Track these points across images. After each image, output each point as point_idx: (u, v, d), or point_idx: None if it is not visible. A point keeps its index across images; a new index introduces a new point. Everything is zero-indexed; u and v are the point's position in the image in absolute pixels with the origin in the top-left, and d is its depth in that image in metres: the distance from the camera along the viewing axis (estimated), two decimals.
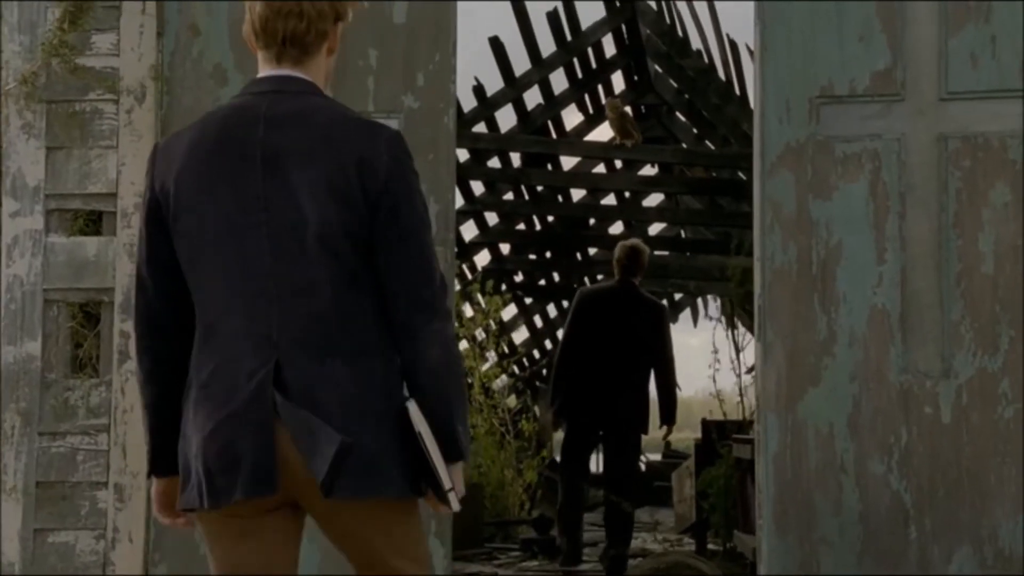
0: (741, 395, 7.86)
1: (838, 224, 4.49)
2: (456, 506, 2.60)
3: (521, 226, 12.63)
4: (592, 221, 12.81)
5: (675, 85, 12.20)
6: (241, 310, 2.56)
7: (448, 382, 2.61)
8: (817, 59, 4.52)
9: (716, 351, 8.33)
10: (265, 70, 2.71)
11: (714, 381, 8.27)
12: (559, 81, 12.04)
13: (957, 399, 4.41)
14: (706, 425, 7.67)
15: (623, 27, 11.84)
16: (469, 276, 12.26)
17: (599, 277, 11.73)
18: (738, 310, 9.55)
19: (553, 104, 12.11)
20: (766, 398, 4.51)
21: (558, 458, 8.01)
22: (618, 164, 12.76)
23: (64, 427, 4.56)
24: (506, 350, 12.32)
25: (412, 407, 2.57)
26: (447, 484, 2.56)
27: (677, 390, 7.20)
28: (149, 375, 2.72)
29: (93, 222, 4.64)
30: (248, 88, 2.73)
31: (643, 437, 7.14)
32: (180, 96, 4.67)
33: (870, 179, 4.49)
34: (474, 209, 12.06)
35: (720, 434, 7.27)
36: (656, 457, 12.35)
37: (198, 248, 2.59)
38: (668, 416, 7.06)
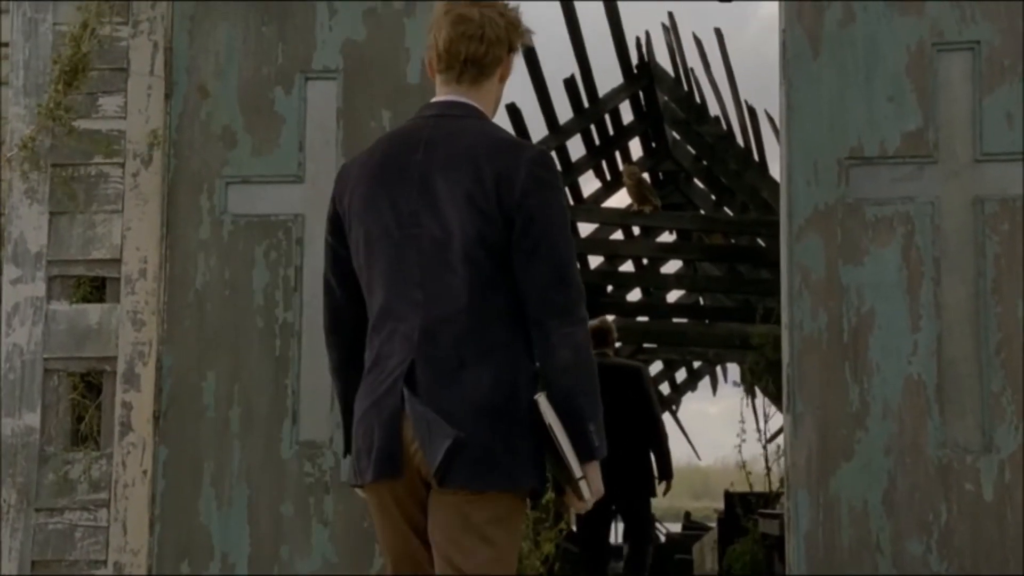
0: (767, 466, 7.57)
1: (870, 290, 4.27)
2: (587, 495, 2.74)
3: None
4: (610, 288, 12.60)
5: (693, 152, 12.06)
6: (395, 313, 2.82)
7: (577, 382, 2.78)
8: (846, 119, 4.33)
9: (743, 421, 8.08)
10: (439, 95, 2.96)
11: (740, 451, 7.99)
12: (576, 148, 11.90)
13: (999, 475, 4.15)
14: (729, 497, 7.39)
15: (640, 94, 11.72)
16: None
17: (618, 345, 11.49)
18: (760, 378, 9.30)
19: (570, 171, 11.96)
20: (796, 473, 4.26)
21: (575, 527, 7.79)
22: (636, 231, 12.58)
23: (63, 503, 4.33)
24: None
25: (542, 400, 2.74)
26: (577, 473, 2.71)
27: (668, 444, 7.18)
28: (336, 369, 3.03)
29: (96, 289, 4.44)
30: (419, 112, 3.00)
31: (659, 504, 7.08)
32: (188, 159, 4.49)
33: (903, 243, 4.27)
34: None
35: (744, 507, 6.99)
36: (676, 528, 12.02)
37: (366, 257, 2.88)
38: (664, 471, 7.04)
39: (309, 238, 4.45)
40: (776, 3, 4.50)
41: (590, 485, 2.76)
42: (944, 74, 4.32)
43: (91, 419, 4.37)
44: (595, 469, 2.79)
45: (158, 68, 4.47)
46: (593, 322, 7.20)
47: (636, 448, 6.84)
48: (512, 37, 2.93)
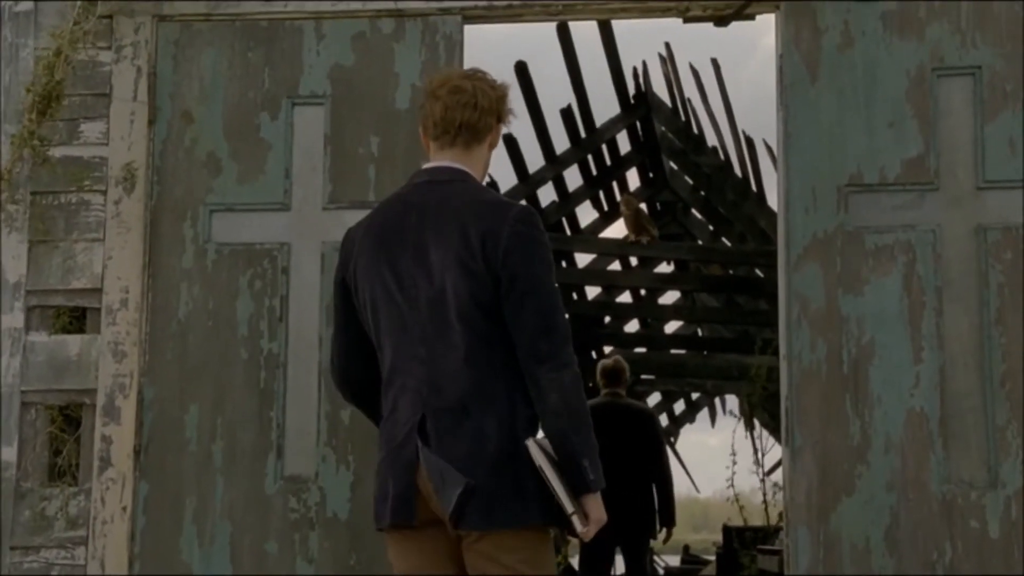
0: (765, 500, 7.42)
1: (870, 320, 4.13)
2: (580, 527, 2.94)
3: None
4: (607, 319, 12.45)
5: (691, 182, 11.95)
6: (403, 369, 3.05)
7: (568, 423, 2.97)
8: (845, 146, 4.20)
9: (734, 453, 7.94)
10: (431, 161, 3.20)
11: (732, 485, 7.83)
12: (573, 178, 11.77)
13: (1006, 512, 4.00)
14: (727, 532, 7.23)
15: (638, 124, 11.61)
16: None
17: None
18: (758, 411, 9.18)
19: (567, 201, 11.83)
20: (795, 509, 4.11)
21: (575, 563, 7.68)
22: (633, 261, 12.44)
23: (39, 540, 4.18)
24: None
25: (530, 444, 2.94)
26: (569, 508, 2.91)
27: (674, 491, 7.21)
28: (358, 408, 3.35)
29: (76, 319, 4.30)
30: (410, 179, 3.22)
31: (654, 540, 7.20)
32: (171, 186, 4.36)
33: (904, 272, 4.14)
34: None
35: (742, 541, 6.83)
36: (675, 561, 11.84)
37: (373, 318, 3.11)
38: (668, 519, 7.04)
39: (295, 267, 4.32)
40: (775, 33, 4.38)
41: (589, 515, 2.95)
42: (945, 100, 4.21)
43: (69, 453, 4.23)
44: (595, 500, 2.97)
45: (141, 94, 4.35)
46: (607, 361, 7.42)
47: (639, 488, 6.85)
48: (500, 108, 3.22)
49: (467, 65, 4.37)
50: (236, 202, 4.35)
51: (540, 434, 3.01)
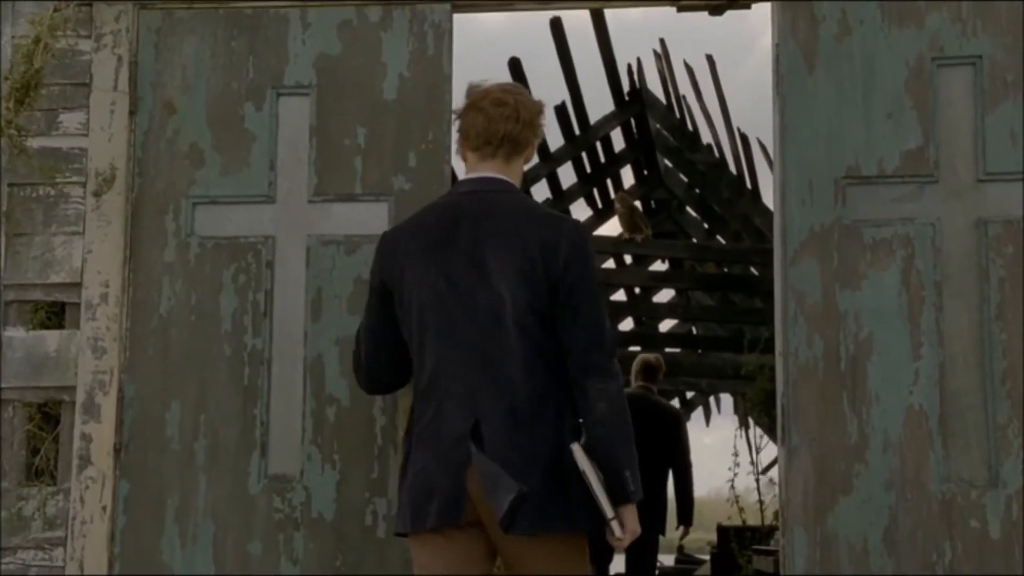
0: (760, 499, 7.30)
1: (868, 316, 4.02)
2: (619, 533, 3.03)
3: None
4: None
5: (685, 180, 11.85)
6: (452, 374, 3.09)
7: (613, 433, 3.06)
8: (843, 137, 4.09)
9: (736, 454, 7.85)
10: (471, 172, 3.28)
11: (732, 486, 7.72)
12: (567, 175, 11.69)
13: (1007, 512, 3.89)
14: (723, 532, 7.12)
15: (632, 121, 11.52)
16: None
17: None
18: (753, 409, 9.07)
19: (561, 199, 11.74)
20: (792, 509, 3.99)
21: None
22: (628, 259, 12.35)
23: (15, 541, 4.04)
24: None
25: (576, 449, 3.02)
26: (608, 514, 3.00)
27: (693, 492, 7.32)
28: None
29: (55, 314, 4.17)
30: (455, 188, 3.30)
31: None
32: (153, 178, 4.24)
33: (902, 267, 4.03)
34: None
35: (738, 541, 6.72)
36: (669, 561, 11.73)
37: (420, 323, 3.14)
38: (686, 518, 7.17)
39: (280, 261, 4.20)
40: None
41: (624, 525, 3.03)
42: (945, 90, 4.09)
43: (47, 452, 4.09)
44: (631, 511, 3.06)
45: (122, 83, 4.22)
46: (649, 356, 7.58)
47: (655, 485, 6.87)
48: (537, 123, 3.31)
49: (457, 57, 4.27)
50: (220, 194, 4.23)
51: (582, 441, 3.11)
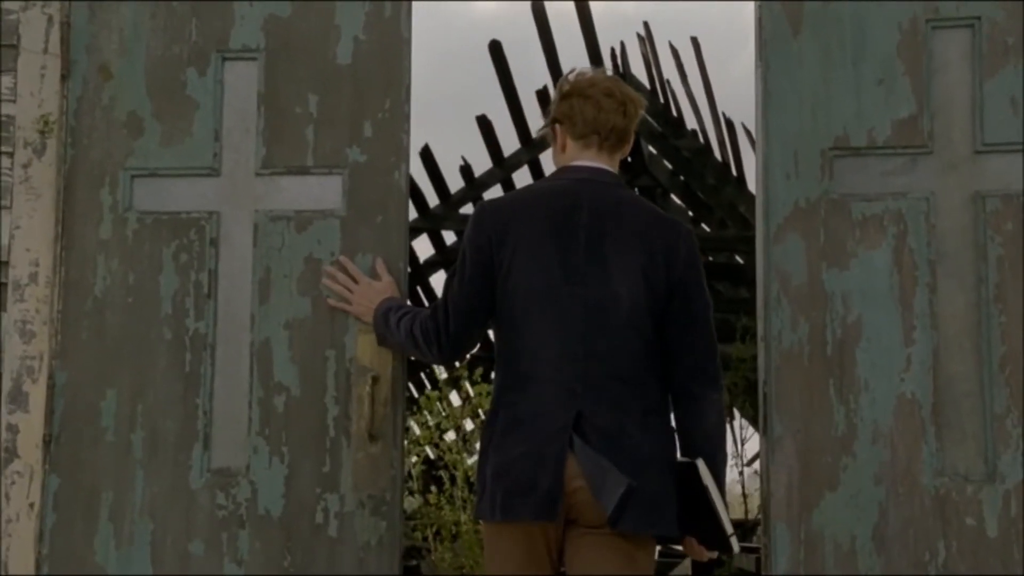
0: (744, 492, 6.99)
1: (857, 298, 3.70)
2: (737, 548, 3.11)
3: None
4: None
5: (670, 167, 11.53)
6: (554, 363, 3.05)
7: (721, 445, 3.16)
8: (830, 105, 3.77)
9: None
10: (577, 159, 3.23)
11: None
12: (549, 162, 11.34)
13: (1004, 508, 3.57)
14: None
15: None
16: (456, 364, 11.44)
17: None
18: (738, 400, 8.81)
19: None
20: (774, 504, 3.68)
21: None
22: None
23: None
24: None
25: (701, 465, 3.05)
26: (730, 529, 3.05)
27: None
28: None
29: None
30: (566, 174, 3.23)
31: None
32: (87, 148, 3.90)
33: (894, 244, 3.71)
34: None
35: None
36: None
37: (523, 306, 3.09)
38: None
39: (225, 238, 3.87)
40: None
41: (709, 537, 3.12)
42: (940, 54, 3.77)
43: None
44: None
45: (53, 45, 3.88)
46: None
47: None
48: (638, 119, 3.30)
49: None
50: (160, 167, 3.89)
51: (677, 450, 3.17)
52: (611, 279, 3.07)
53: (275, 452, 3.76)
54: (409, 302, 3.81)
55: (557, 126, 3.28)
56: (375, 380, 3.69)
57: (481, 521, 3.20)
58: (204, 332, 3.82)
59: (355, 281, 3.73)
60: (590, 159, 3.21)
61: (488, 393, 9.80)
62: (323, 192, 3.84)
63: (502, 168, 10.92)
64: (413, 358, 3.84)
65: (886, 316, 3.68)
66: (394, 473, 3.71)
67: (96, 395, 3.80)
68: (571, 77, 3.30)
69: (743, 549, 5.35)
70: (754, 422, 9.70)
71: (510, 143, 10.82)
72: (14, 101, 3.84)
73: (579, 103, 3.21)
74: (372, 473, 3.70)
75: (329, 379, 3.76)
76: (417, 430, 8.68)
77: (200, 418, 3.79)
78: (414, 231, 10.38)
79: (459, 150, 11.48)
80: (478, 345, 3.34)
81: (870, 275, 3.70)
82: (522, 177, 11.27)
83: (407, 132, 3.88)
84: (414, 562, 7.99)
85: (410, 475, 8.36)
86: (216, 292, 3.84)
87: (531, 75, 10.69)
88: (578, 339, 3.05)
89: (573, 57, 10.59)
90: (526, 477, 3.01)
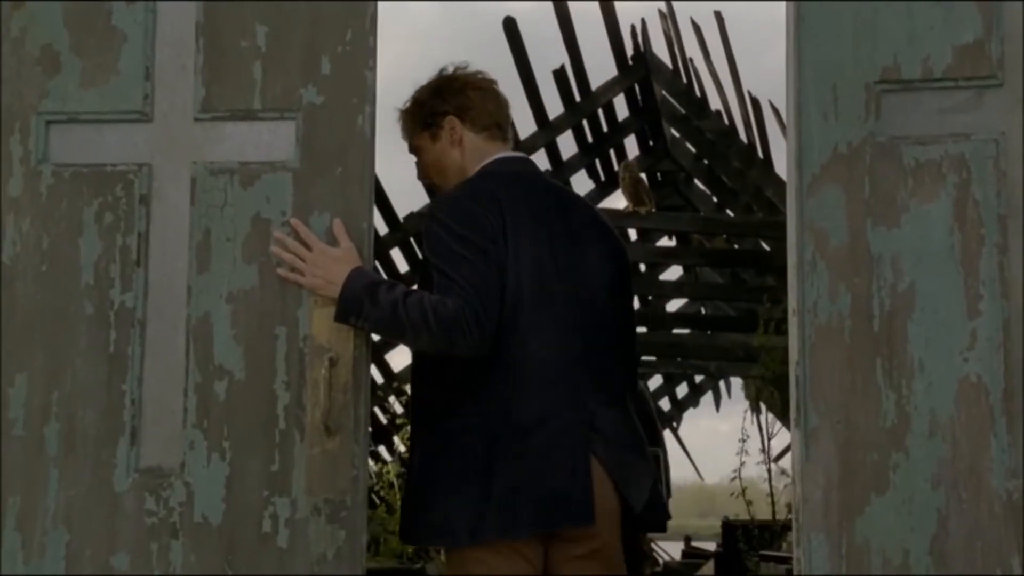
0: (771, 491, 6.30)
1: (909, 260, 3.01)
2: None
3: None
4: None
5: (693, 150, 10.92)
6: (555, 362, 2.90)
7: (655, 439, 3.67)
8: (876, 30, 3.08)
9: (744, 440, 6.81)
10: (491, 152, 3.11)
11: (738, 477, 6.69)
12: (567, 145, 10.82)
13: None
14: (729, 529, 6.11)
15: (636, 87, 10.59)
16: None
17: None
18: (765, 393, 8.18)
19: (561, 169, 10.86)
20: (809, 510, 3.00)
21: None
22: (632, 235, 11.40)
23: None
24: None
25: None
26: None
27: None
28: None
29: None
30: (506, 165, 3.08)
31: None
32: None
33: (955, 196, 3.01)
34: None
35: (747, 539, 5.73)
36: (676, 554, 10.90)
37: (515, 295, 2.89)
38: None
39: (157, 194, 3.22)
40: None
41: None
42: None
43: None
44: None
45: None
46: None
47: None
48: None
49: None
50: (80, 110, 3.25)
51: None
52: (593, 271, 3.03)
53: (215, 448, 3.11)
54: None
55: (451, 120, 3.13)
56: (333, 362, 3.06)
57: (456, 547, 2.94)
58: (132, 306, 3.17)
59: (308, 248, 3.08)
60: (503, 150, 3.12)
61: None
62: (274, 139, 3.21)
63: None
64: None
65: (945, 283, 2.99)
66: (356, 473, 3.06)
67: (3, 381, 3.16)
68: (455, 72, 3.20)
69: (772, 558, 4.67)
70: (780, 414, 9.04)
71: (526, 126, 10.24)
72: None
73: (478, 97, 3.14)
74: (329, 473, 3.07)
75: (279, 361, 3.12)
76: None
77: (127, 408, 3.14)
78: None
79: None
80: None
81: (925, 233, 3.01)
82: (539, 161, 10.68)
83: (372, 69, 3.21)
84: (420, 563, 7.51)
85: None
86: (147, 259, 3.19)
87: (548, 54, 10.11)
88: (572, 334, 2.95)
89: (592, 35, 10.00)
90: (555, 484, 2.84)
